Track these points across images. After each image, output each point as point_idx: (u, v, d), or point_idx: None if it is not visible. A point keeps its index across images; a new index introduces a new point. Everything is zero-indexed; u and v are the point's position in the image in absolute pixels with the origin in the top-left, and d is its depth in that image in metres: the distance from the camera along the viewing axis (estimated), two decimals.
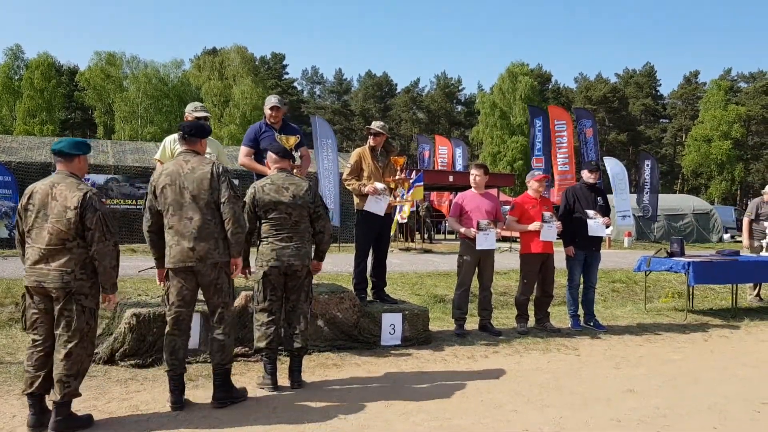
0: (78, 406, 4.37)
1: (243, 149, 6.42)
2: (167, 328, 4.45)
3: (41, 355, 4.00)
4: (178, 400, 4.39)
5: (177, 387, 4.42)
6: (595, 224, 7.56)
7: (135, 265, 12.01)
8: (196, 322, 5.53)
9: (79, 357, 3.96)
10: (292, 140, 5.78)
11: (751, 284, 10.25)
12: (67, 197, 3.91)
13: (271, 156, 5.22)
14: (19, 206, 4.04)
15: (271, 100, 6.43)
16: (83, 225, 3.90)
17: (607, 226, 7.75)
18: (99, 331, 6.03)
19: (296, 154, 6.01)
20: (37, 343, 4.02)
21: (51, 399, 3.94)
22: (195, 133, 4.58)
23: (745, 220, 10.45)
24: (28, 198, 3.98)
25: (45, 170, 17.82)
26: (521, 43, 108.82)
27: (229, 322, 4.55)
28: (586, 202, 7.69)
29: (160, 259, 4.52)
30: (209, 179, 4.37)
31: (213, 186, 4.37)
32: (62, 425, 3.88)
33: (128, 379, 5.08)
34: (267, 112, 6.39)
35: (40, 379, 3.95)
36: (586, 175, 7.90)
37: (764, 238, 10.08)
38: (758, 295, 10.53)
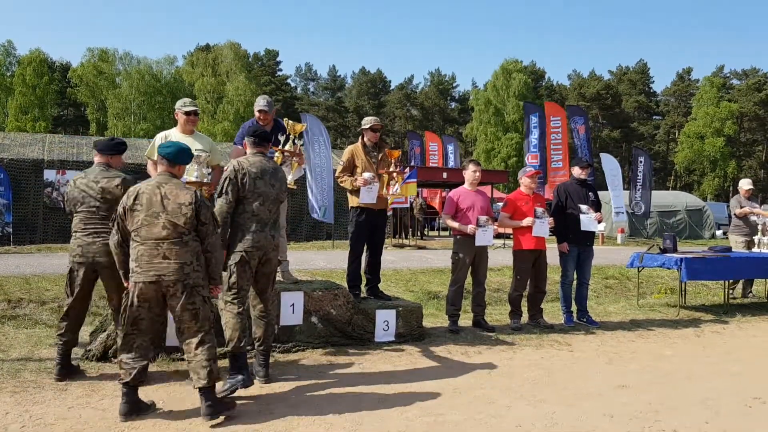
0: (72, 403, 4.38)
1: (234, 148, 6.37)
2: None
3: (142, 351, 4.18)
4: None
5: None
6: (587, 219, 7.59)
7: None
8: None
9: (212, 342, 4.21)
10: (299, 127, 5.90)
11: (732, 281, 10.27)
12: (179, 195, 4.17)
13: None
14: (122, 208, 4.19)
15: (260, 102, 6.31)
16: (198, 220, 4.18)
17: (600, 222, 7.78)
18: (92, 329, 6.05)
19: (299, 143, 6.01)
20: (133, 338, 4.16)
21: (195, 386, 4.12)
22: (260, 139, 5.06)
23: (738, 211, 10.43)
24: (135, 199, 4.16)
25: (37, 167, 17.73)
26: (515, 39, 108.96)
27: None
28: (578, 198, 7.72)
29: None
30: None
31: None
32: (213, 409, 4.11)
33: None
34: (256, 114, 6.36)
35: (136, 371, 4.11)
36: (577, 172, 7.94)
37: (748, 233, 10.14)
38: (750, 291, 10.58)
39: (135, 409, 4.12)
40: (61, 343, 4.98)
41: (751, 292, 10.62)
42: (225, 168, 4.91)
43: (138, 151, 21.32)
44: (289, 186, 6.00)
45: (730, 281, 10.19)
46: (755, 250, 9.91)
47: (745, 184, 10.55)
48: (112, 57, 47.94)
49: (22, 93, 44.90)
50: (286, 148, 5.85)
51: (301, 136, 6.06)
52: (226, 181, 4.76)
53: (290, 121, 5.96)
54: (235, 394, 4.54)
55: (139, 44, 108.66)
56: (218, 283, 4.40)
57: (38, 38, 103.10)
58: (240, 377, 4.60)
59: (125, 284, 4.26)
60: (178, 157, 4.33)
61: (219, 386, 4.60)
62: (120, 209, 4.20)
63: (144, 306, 4.12)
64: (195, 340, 4.14)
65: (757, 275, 9.67)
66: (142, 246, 4.10)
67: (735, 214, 10.47)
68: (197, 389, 4.12)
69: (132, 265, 4.15)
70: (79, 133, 46.05)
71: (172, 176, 4.30)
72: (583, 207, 7.59)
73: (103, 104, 47.18)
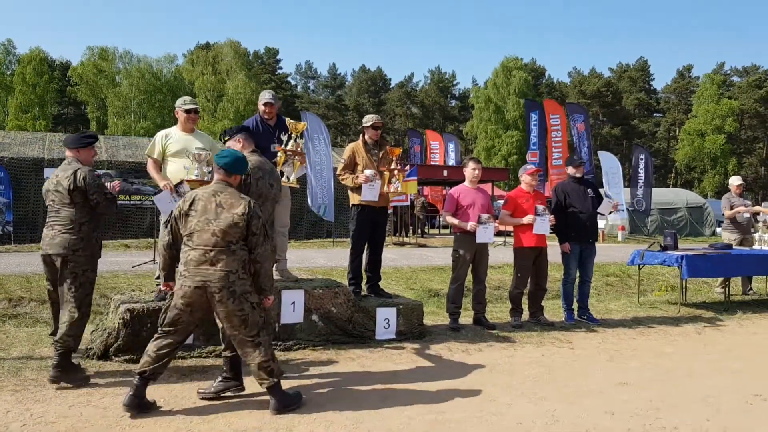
0: (73, 401, 4.38)
1: None
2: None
3: (169, 349, 4.24)
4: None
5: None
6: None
7: (129, 260, 11.98)
8: None
9: (267, 342, 4.28)
10: (301, 126, 5.92)
11: (722, 278, 10.27)
12: (233, 205, 4.23)
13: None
14: (177, 211, 4.27)
15: (265, 95, 6.42)
16: (248, 230, 4.23)
17: (615, 207, 8.05)
18: (93, 327, 6.06)
19: (301, 141, 6.02)
20: (166, 336, 4.25)
21: (263, 387, 4.25)
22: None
23: (727, 213, 10.44)
24: (191, 204, 4.25)
25: (37, 166, 17.73)
26: (515, 37, 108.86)
27: None
28: (577, 196, 7.71)
29: None
30: None
31: None
32: (282, 404, 4.25)
33: (123, 374, 5.07)
34: (261, 107, 6.38)
35: (156, 365, 4.19)
36: (572, 171, 7.93)
37: (740, 231, 10.12)
38: (750, 288, 10.57)
39: (139, 404, 4.15)
40: (55, 342, 4.97)
41: (751, 288, 10.62)
42: None
43: (138, 149, 21.32)
44: (291, 185, 6.01)
45: (721, 279, 10.20)
46: (756, 247, 9.91)
47: (735, 181, 10.59)
48: (112, 55, 47.93)
49: (22, 92, 44.90)
50: (289, 147, 5.85)
51: (301, 135, 6.07)
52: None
53: (292, 120, 5.98)
54: (235, 394, 4.55)
55: (139, 43, 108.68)
56: (268, 294, 4.42)
57: (38, 37, 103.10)
58: (234, 383, 4.60)
59: (164, 286, 4.31)
60: (234, 167, 4.38)
61: (207, 385, 4.62)
62: (176, 212, 4.27)
63: (186, 310, 4.20)
64: (251, 346, 4.21)
65: (758, 272, 9.67)
66: (193, 251, 4.18)
67: (724, 215, 10.51)
68: (267, 389, 4.25)
69: (180, 268, 4.23)
70: (79, 132, 46.05)
71: (228, 185, 4.36)
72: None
73: (104, 103, 47.19)
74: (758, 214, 10.69)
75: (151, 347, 4.22)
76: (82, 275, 4.93)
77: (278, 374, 4.27)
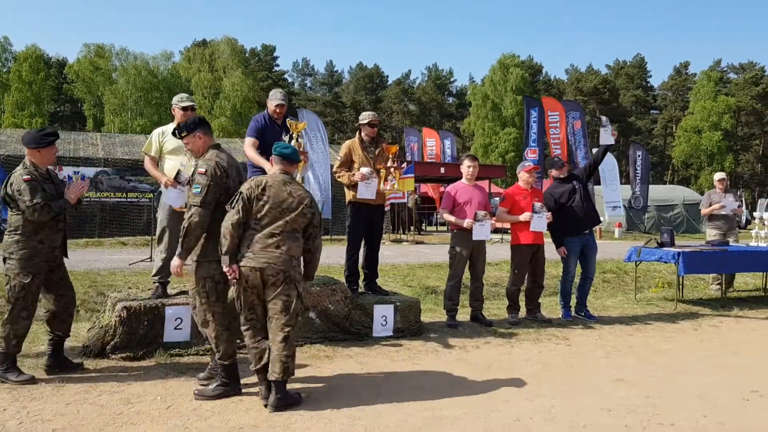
0: (70, 399, 4.37)
1: (248, 140, 6.29)
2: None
3: (262, 333, 4.39)
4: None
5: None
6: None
7: (126, 258, 11.98)
8: (187, 314, 5.52)
9: (294, 338, 4.38)
10: (301, 125, 5.95)
11: (714, 275, 10.27)
12: (302, 196, 4.45)
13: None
14: (248, 193, 4.31)
15: (277, 96, 6.34)
16: (311, 222, 4.48)
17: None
18: (89, 325, 6.05)
19: (303, 140, 6.01)
20: (254, 322, 4.39)
21: (270, 378, 4.26)
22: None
23: (705, 211, 10.46)
24: (263, 189, 4.35)
25: None
26: (512, 34, 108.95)
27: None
28: (566, 193, 7.63)
29: None
30: None
31: None
32: (282, 402, 4.26)
33: (119, 371, 5.06)
34: (272, 108, 6.32)
35: (267, 353, 4.31)
36: (555, 173, 7.90)
37: (721, 226, 10.11)
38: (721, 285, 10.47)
39: (286, 400, 4.30)
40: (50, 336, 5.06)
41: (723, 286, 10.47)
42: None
43: (135, 147, 21.30)
44: None
45: (713, 276, 10.21)
46: (752, 243, 9.93)
47: (717, 177, 10.65)
48: (108, 53, 47.83)
49: (19, 89, 44.82)
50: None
51: (302, 134, 6.07)
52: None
53: (292, 120, 6.01)
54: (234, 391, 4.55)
55: (136, 40, 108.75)
56: (311, 279, 4.76)
57: (34, 34, 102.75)
58: (232, 386, 4.55)
59: (229, 270, 4.28)
60: (295, 157, 4.59)
61: (202, 386, 4.58)
62: (247, 193, 4.30)
63: (254, 292, 4.33)
64: (281, 335, 4.27)
65: (754, 269, 9.69)
66: (259, 234, 4.30)
67: (701, 212, 10.58)
68: (271, 381, 4.27)
69: (243, 251, 4.30)
70: (75, 129, 45.96)
71: (292, 176, 4.56)
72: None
73: (100, 100, 47.09)
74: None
75: (250, 342, 4.37)
76: (13, 279, 4.80)
77: (290, 374, 4.30)
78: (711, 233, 10.28)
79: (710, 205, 10.29)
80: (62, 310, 5.12)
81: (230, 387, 4.52)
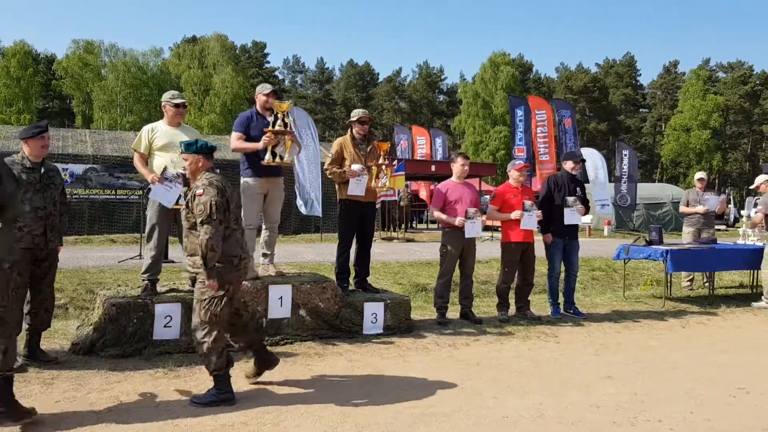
0: (59, 397, 4.36)
1: (234, 134, 6.31)
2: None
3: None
4: None
5: None
6: (571, 213, 7.60)
7: (115, 255, 11.92)
8: (176, 312, 5.52)
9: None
10: (285, 105, 5.89)
11: (686, 273, 10.37)
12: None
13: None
14: (223, 203, 4.33)
15: (266, 86, 6.37)
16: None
17: (584, 214, 7.85)
18: (79, 322, 6.02)
19: (288, 120, 6.00)
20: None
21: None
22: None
23: (681, 208, 10.55)
24: (225, 192, 4.38)
25: None
26: (503, 32, 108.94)
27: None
28: (567, 192, 7.74)
29: None
30: None
31: None
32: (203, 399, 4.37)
33: (109, 369, 5.04)
34: (262, 98, 6.31)
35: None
36: (570, 166, 7.93)
37: (695, 223, 10.17)
38: (692, 282, 10.54)
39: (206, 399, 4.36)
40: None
41: (707, 283, 10.54)
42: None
43: (124, 144, 21.17)
44: (285, 164, 6.02)
45: (684, 274, 10.26)
46: (740, 241, 10.02)
47: (697, 176, 10.69)
48: (97, 49, 47.38)
49: (7, 85, 44.38)
50: (276, 128, 5.84)
51: (287, 114, 6.03)
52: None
53: (276, 101, 6.00)
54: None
55: (125, 36, 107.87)
56: None
57: (22, 30, 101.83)
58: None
59: (214, 285, 4.36)
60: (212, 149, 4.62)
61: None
62: (220, 204, 4.32)
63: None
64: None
65: (741, 267, 9.76)
66: (239, 231, 4.53)
67: (680, 210, 10.66)
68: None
69: (236, 251, 4.45)
70: (64, 126, 45.64)
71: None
72: (570, 199, 7.62)
73: (89, 96, 46.68)
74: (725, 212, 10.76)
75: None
76: None
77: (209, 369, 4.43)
78: (686, 230, 10.35)
79: (688, 203, 10.34)
80: (38, 304, 5.16)
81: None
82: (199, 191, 4.32)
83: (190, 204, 4.39)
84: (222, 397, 4.33)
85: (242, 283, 4.46)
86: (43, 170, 5.11)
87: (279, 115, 5.88)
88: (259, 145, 5.89)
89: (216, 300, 4.35)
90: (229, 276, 4.37)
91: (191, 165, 4.51)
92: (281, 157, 5.92)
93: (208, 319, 4.35)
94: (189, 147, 4.52)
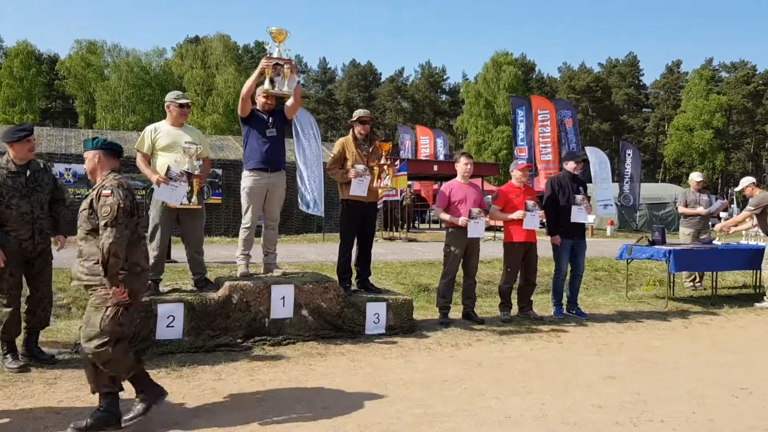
0: (61, 396, 4.36)
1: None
2: None
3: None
4: None
5: None
6: (578, 210, 7.60)
7: None
8: (179, 312, 5.52)
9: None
10: (282, 36, 6.07)
11: (688, 273, 10.34)
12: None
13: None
14: (130, 207, 3.99)
15: (265, 85, 6.40)
16: None
17: (588, 213, 7.85)
18: (81, 322, 6.02)
19: (286, 49, 6.11)
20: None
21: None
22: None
23: (681, 209, 10.51)
24: (133, 197, 4.07)
25: None
26: (505, 32, 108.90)
27: None
28: (571, 191, 7.73)
29: None
30: None
31: None
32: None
33: None
34: (261, 100, 6.33)
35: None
36: (572, 166, 7.92)
37: (694, 224, 10.15)
38: (694, 282, 10.53)
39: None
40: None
41: (700, 283, 10.56)
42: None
43: (127, 144, 21.19)
44: (284, 94, 6.10)
45: (686, 274, 10.24)
46: (743, 242, 10.00)
47: (695, 177, 10.65)
48: (100, 49, 47.46)
49: (10, 85, 44.48)
50: (275, 55, 5.91)
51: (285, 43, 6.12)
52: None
53: (273, 29, 6.05)
54: (225, 385, 4.55)
55: (128, 36, 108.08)
56: None
57: (25, 30, 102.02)
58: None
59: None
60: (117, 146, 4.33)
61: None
62: (128, 208, 3.94)
63: None
64: None
65: (743, 267, 9.74)
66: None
67: (678, 210, 10.61)
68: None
69: (142, 261, 4.11)
70: (67, 126, 45.75)
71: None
72: (579, 197, 7.60)
73: (92, 96, 46.74)
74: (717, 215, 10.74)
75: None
76: None
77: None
78: (685, 232, 10.33)
79: (686, 204, 10.31)
80: (35, 303, 5.20)
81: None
82: (106, 191, 3.90)
83: (93, 204, 3.93)
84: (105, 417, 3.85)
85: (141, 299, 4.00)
86: (29, 173, 5.10)
87: (277, 45, 5.93)
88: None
89: (121, 309, 3.89)
90: (132, 284, 3.94)
91: (89, 162, 4.16)
92: (280, 88, 6.01)
93: (110, 329, 3.84)
94: (87, 143, 4.23)
